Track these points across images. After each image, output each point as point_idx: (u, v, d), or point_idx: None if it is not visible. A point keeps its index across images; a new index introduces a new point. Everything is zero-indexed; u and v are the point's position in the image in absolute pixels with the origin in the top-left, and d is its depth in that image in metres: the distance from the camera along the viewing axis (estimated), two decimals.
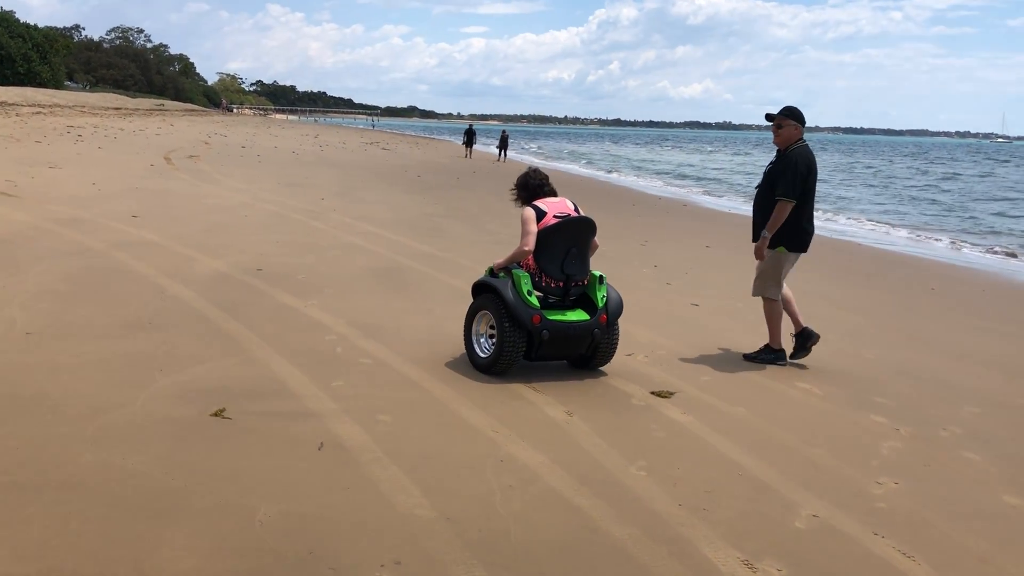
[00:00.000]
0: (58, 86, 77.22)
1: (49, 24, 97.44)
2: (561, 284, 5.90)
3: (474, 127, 45.08)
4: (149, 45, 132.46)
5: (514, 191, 6.41)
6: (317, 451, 4.25)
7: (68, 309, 6.67)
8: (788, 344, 6.69)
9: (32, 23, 79.16)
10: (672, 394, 5.60)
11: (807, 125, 6.59)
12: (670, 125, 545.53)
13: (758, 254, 6.50)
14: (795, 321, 6.67)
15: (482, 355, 5.89)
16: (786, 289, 6.68)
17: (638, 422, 5.05)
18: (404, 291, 8.30)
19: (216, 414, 4.63)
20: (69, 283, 7.57)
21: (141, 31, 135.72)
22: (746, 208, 24.57)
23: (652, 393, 5.60)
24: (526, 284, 5.72)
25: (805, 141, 6.51)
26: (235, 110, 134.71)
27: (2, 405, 4.54)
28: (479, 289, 6.06)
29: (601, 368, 6.08)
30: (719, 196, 28.76)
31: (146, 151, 26.86)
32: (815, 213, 6.74)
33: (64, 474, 3.76)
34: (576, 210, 6.05)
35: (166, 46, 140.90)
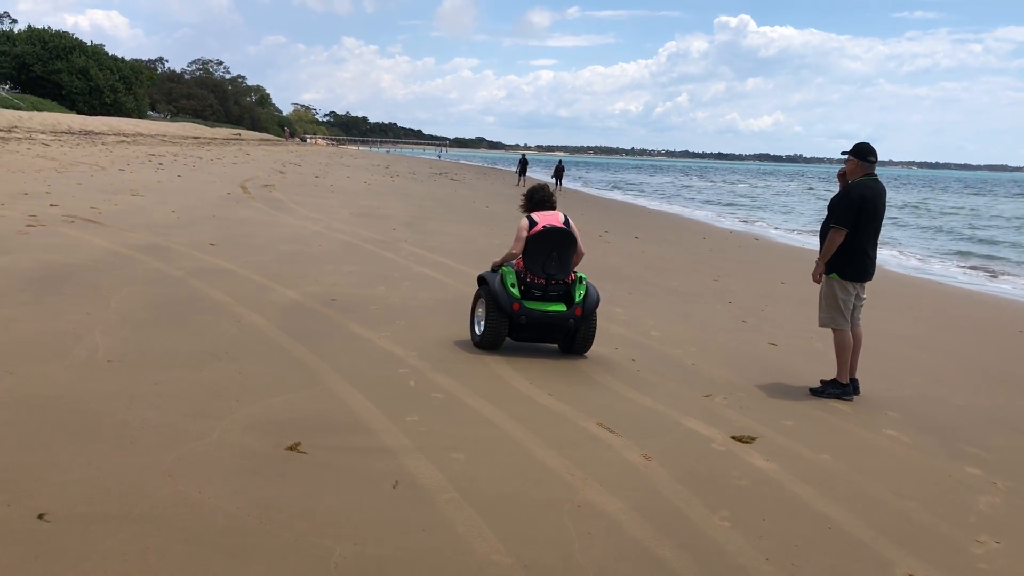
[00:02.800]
0: (141, 116, 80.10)
1: (135, 56, 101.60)
2: (542, 281, 7.19)
3: (527, 157, 46.12)
4: (227, 76, 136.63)
5: (522, 201, 7.71)
6: (392, 489, 4.19)
7: (148, 337, 6.78)
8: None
9: (120, 56, 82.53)
10: (753, 439, 5.41)
11: (879, 159, 6.82)
12: (739, 157, 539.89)
13: (814, 278, 6.76)
14: (851, 367, 6.72)
15: (478, 333, 7.33)
16: (860, 330, 6.77)
17: (719, 468, 4.88)
18: None
19: (291, 448, 4.61)
20: (149, 310, 7.71)
21: (220, 63, 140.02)
22: None
23: (732, 438, 5.41)
24: (510, 278, 7.13)
25: (874, 175, 6.70)
26: (308, 140, 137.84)
27: (85, 433, 4.59)
28: (480, 281, 7.48)
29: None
30: (792, 230, 28.23)
31: (223, 180, 27.55)
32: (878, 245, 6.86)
33: (143, 506, 3.77)
34: (566, 223, 7.32)
35: (244, 77, 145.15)
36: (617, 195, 48.21)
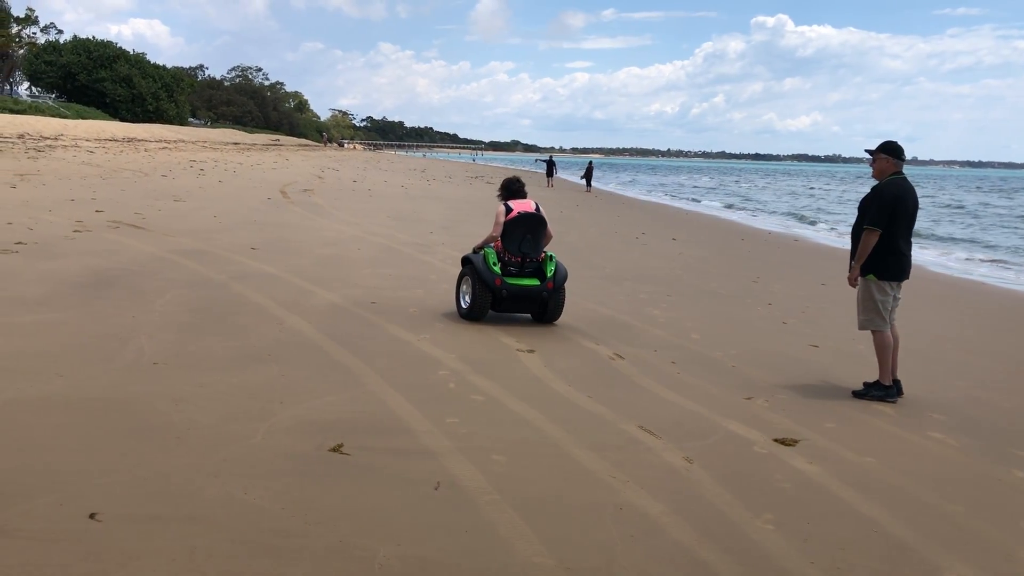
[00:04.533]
0: (182, 122, 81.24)
1: (176, 64, 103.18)
2: (519, 259, 8.31)
3: (553, 158, 46.69)
4: (266, 83, 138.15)
5: (499, 190, 8.84)
6: (434, 491, 4.21)
7: (192, 340, 6.88)
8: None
9: (161, 63, 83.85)
10: (796, 442, 5.35)
11: (912, 158, 6.75)
12: (776, 158, 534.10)
13: (850, 282, 6.70)
14: (894, 362, 6.64)
15: (463, 307, 8.47)
16: (896, 329, 6.66)
17: (762, 471, 4.83)
18: (511, 327, 8.26)
19: (334, 449, 4.65)
20: (192, 314, 7.83)
21: (259, 69, 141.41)
22: None
23: (775, 440, 5.36)
24: (492, 258, 8.25)
25: (902, 174, 6.63)
26: (346, 145, 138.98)
27: (132, 435, 4.68)
28: (464, 262, 8.57)
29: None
30: (831, 231, 27.89)
31: (263, 185, 27.89)
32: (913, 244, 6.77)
33: (189, 507, 3.83)
34: (537, 209, 8.41)
35: (282, 83, 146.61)
36: (653, 196, 47.98)
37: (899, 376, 6.66)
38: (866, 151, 6.83)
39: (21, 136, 40.03)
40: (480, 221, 20.67)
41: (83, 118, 57.14)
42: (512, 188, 8.70)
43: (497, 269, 8.17)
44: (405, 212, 21.61)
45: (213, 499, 3.93)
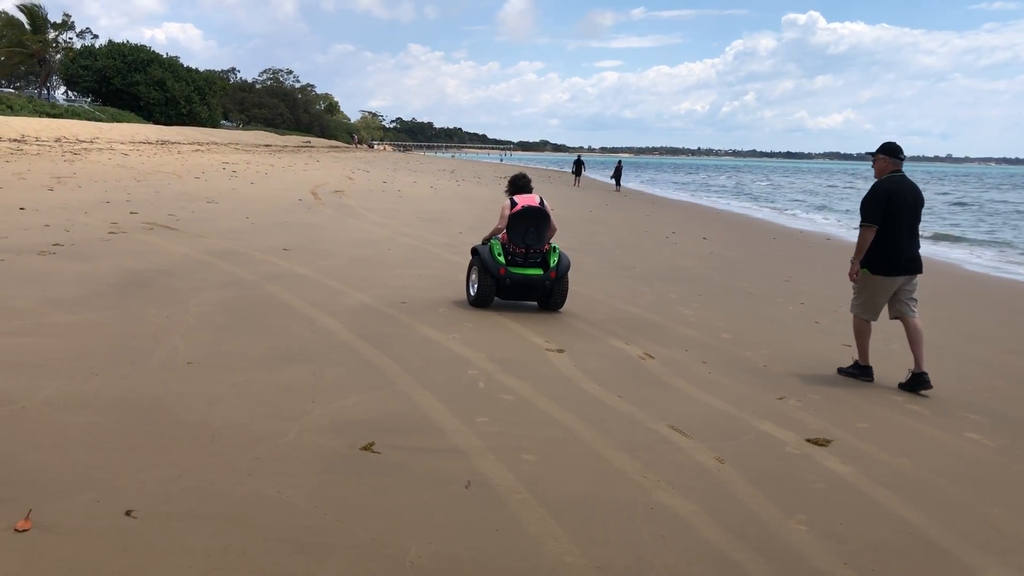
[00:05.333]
0: (215, 125, 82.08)
1: (209, 67, 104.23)
2: (522, 251, 8.87)
3: (582, 158, 48.26)
4: (297, 85, 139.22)
5: (507, 186, 9.34)
6: (464, 490, 4.22)
7: (225, 339, 6.96)
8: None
9: (194, 67, 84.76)
10: (829, 442, 5.30)
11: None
12: (808, 156, 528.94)
13: (850, 276, 6.95)
14: (916, 360, 6.78)
15: (472, 294, 9.06)
16: (918, 322, 6.84)
17: (794, 471, 4.79)
18: (541, 326, 8.27)
19: (366, 448, 4.68)
20: (225, 314, 7.91)
21: (290, 72, 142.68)
22: None
23: (807, 440, 5.31)
24: (497, 249, 8.82)
25: (901, 172, 6.93)
26: (376, 146, 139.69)
27: (167, 434, 4.74)
28: (473, 252, 9.17)
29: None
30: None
31: (295, 186, 28.11)
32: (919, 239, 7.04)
33: (223, 504, 3.87)
34: (541, 203, 8.91)
35: (313, 86, 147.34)
36: (684, 195, 47.74)
37: (925, 369, 6.70)
38: (868, 153, 7.12)
39: (58, 140, 40.70)
40: None
41: (118, 121, 57.96)
42: (518, 184, 9.25)
43: (502, 259, 8.76)
44: (434, 212, 21.68)
45: (246, 497, 3.97)
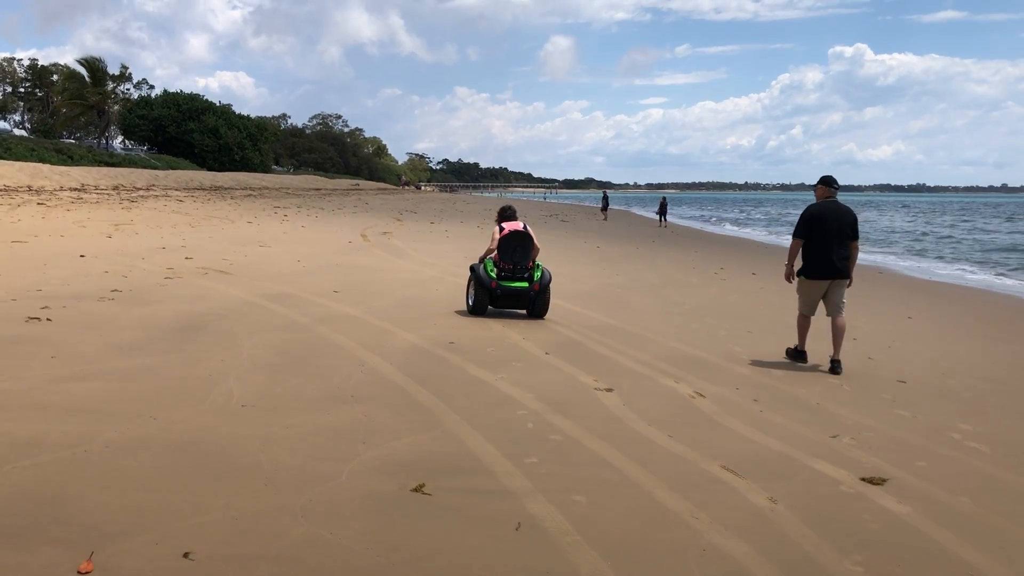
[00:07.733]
0: (266, 170, 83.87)
1: (260, 114, 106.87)
2: (510, 267, 10.88)
3: (608, 193, 53.77)
4: (346, 129, 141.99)
5: (496, 216, 11.46)
6: (515, 531, 4.23)
7: (278, 381, 7.08)
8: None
9: (246, 113, 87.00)
10: (884, 480, 5.21)
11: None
12: (859, 188, 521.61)
13: (786, 278, 8.80)
14: (835, 350, 8.47)
15: (470, 303, 11.09)
16: (841, 321, 8.50)
17: (849, 511, 4.71)
18: (589, 366, 8.26)
19: (416, 489, 4.72)
20: (279, 356, 8.05)
21: (339, 116, 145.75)
22: (949, 276, 22.99)
23: (862, 479, 5.22)
24: (489, 266, 10.95)
25: (834, 199, 8.62)
26: (422, 187, 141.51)
27: (223, 476, 4.83)
28: (471, 270, 11.20)
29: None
30: (919, 262, 27.11)
31: (344, 229, 28.56)
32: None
33: (278, 547, 3.93)
34: (524, 228, 11.08)
35: (361, 130, 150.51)
36: (731, 229, 47.43)
37: (837, 357, 8.40)
38: (811, 186, 8.94)
39: (116, 188, 41.94)
40: (557, 259, 20.73)
41: (173, 168, 59.55)
42: (505, 213, 11.44)
43: (493, 274, 10.86)
44: (481, 252, 21.79)
45: (301, 539, 4.03)
